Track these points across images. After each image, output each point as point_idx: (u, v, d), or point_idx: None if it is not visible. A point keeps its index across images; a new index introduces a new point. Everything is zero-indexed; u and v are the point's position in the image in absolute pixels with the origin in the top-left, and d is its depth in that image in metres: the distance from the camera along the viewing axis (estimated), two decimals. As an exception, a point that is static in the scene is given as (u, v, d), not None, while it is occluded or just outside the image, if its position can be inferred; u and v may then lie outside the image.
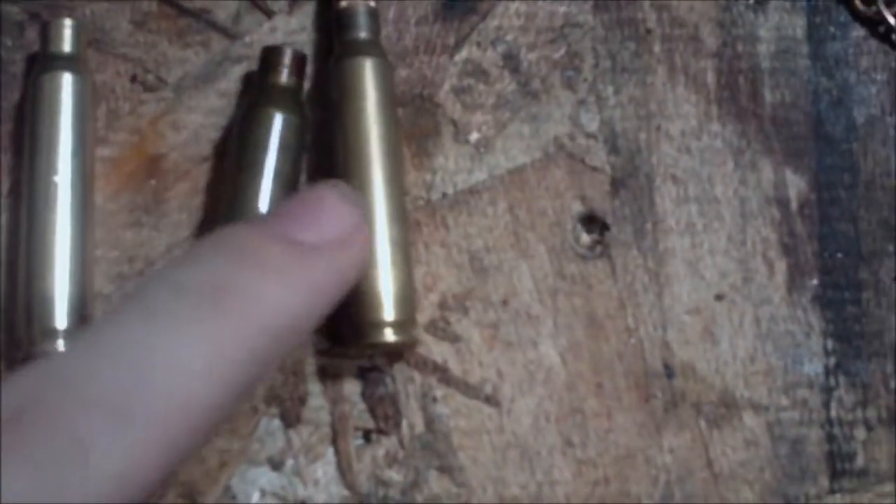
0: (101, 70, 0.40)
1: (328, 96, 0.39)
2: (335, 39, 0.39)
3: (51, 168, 0.37)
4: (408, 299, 0.36)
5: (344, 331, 0.37)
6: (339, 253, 0.27)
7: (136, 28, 0.41)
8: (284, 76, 0.38)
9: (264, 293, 0.24)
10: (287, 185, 0.37)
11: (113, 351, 0.23)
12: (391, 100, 0.38)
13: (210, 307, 0.24)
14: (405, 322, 0.36)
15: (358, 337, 0.36)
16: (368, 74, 0.38)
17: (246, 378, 0.24)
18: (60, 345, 0.35)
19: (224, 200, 0.37)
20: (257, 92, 0.38)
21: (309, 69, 0.40)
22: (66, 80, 0.38)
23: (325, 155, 0.39)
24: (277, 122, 0.37)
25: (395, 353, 0.37)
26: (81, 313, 0.36)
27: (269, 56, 0.38)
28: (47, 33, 0.39)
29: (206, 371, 0.23)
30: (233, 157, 0.37)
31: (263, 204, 0.36)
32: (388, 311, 0.36)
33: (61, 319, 0.36)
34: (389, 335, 0.36)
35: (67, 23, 0.39)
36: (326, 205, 0.28)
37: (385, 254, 0.36)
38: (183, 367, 0.23)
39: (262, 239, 0.26)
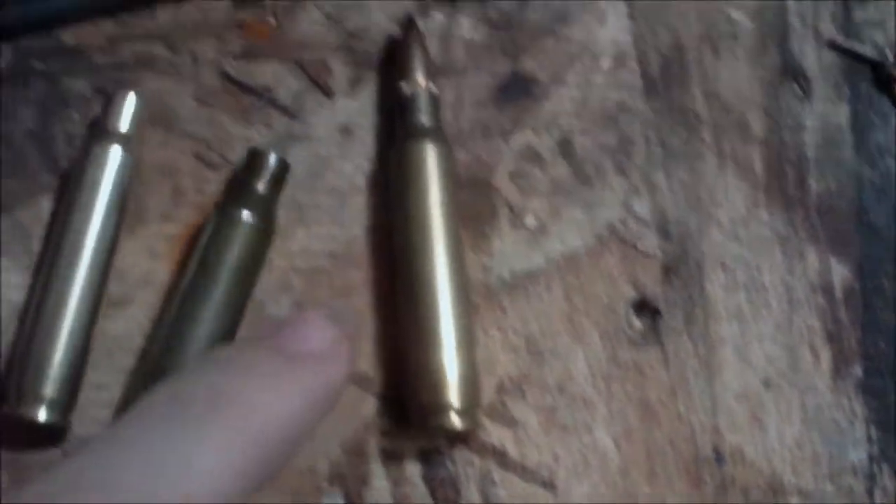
0: (165, 147, 0.41)
1: (389, 178, 0.39)
2: (397, 123, 0.40)
3: (79, 236, 0.38)
4: (472, 384, 0.37)
5: (410, 414, 0.37)
6: (324, 363, 0.29)
7: (200, 105, 0.41)
8: (262, 184, 0.39)
9: (258, 398, 0.27)
10: (242, 287, 0.38)
11: (127, 456, 0.24)
12: (453, 184, 0.39)
13: (211, 412, 0.26)
14: (469, 408, 0.37)
15: (423, 421, 0.37)
16: (431, 160, 0.38)
17: (250, 478, 0.26)
18: (42, 413, 0.36)
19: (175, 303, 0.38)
20: (232, 193, 0.39)
21: (369, 150, 0.40)
22: (115, 153, 0.38)
23: (384, 235, 0.40)
24: (245, 226, 0.38)
25: (459, 436, 0.38)
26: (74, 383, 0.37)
27: (252, 160, 0.39)
28: (107, 104, 0.40)
29: (213, 471, 0.25)
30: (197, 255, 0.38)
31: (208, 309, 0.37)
32: (454, 397, 0.36)
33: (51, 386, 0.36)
34: (455, 421, 0.36)
35: (129, 97, 0.39)
36: (312, 323, 0.30)
37: (450, 338, 0.37)
38: (194, 468, 0.24)
39: (259, 352, 0.29)
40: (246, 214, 0.38)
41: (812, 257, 0.40)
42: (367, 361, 0.39)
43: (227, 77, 0.42)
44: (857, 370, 0.40)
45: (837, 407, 0.39)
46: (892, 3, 0.43)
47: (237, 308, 0.38)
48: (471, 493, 0.38)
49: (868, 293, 0.40)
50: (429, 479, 0.38)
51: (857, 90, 0.42)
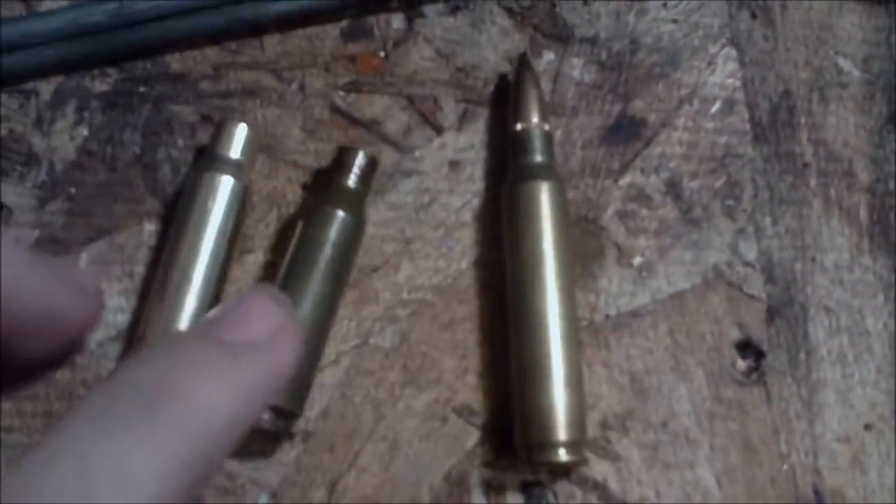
0: (273, 176, 0.42)
1: (503, 215, 0.40)
2: (510, 161, 0.41)
3: (188, 265, 0.38)
4: (580, 419, 0.38)
5: (516, 447, 0.38)
6: (268, 350, 0.28)
7: (308, 136, 0.42)
8: (352, 180, 0.40)
9: (198, 392, 0.26)
10: (335, 282, 0.39)
11: (58, 464, 0.23)
12: (565, 222, 0.40)
13: (146, 409, 0.25)
14: (577, 442, 0.37)
15: (531, 455, 0.38)
16: (544, 198, 0.39)
17: (191, 476, 0.25)
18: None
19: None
20: (322, 190, 0.40)
21: (477, 185, 0.41)
22: (225, 183, 0.39)
23: (490, 270, 0.41)
24: (338, 222, 0.39)
25: (563, 470, 0.39)
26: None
27: (343, 157, 0.40)
28: (219, 132, 0.40)
29: (151, 473, 0.24)
30: (290, 251, 0.39)
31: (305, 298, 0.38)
32: (562, 431, 0.37)
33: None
34: (562, 455, 0.37)
35: (241, 127, 0.40)
36: (254, 306, 0.29)
37: (559, 374, 0.37)
38: (128, 472, 0.24)
39: (194, 342, 0.27)
40: (338, 210, 0.39)
41: (915, 304, 0.41)
42: (471, 394, 0.40)
43: (335, 109, 0.43)
44: (958, 417, 0.40)
45: (938, 453, 0.40)
46: None
47: (330, 304, 0.39)
48: (573, 525, 0.39)
49: (970, 341, 0.41)
50: (531, 511, 0.39)
51: (961, 140, 0.43)
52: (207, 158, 0.40)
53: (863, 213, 0.42)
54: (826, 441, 0.40)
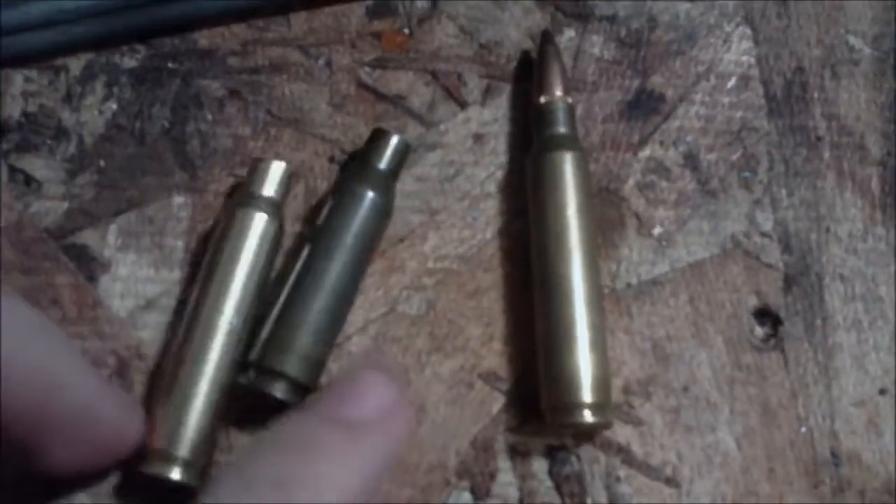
0: (300, 149, 0.43)
1: (528, 185, 0.41)
2: (534, 133, 0.42)
3: (219, 297, 0.38)
4: (605, 382, 0.39)
5: (543, 410, 0.39)
6: (383, 428, 0.30)
7: (335, 110, 0.43)
8: (384, 162, 0.41)
9: (330, 479, 0.28)
10: (357, 263, 0.40)
11: None
12: (589, 191, 0.41)
13: (281, 497, 0.27)
14: (602, 404, 0.38)
15: (557, 417, 0.38)
16: (569, 168, 0.40)
17: None
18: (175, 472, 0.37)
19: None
20: (354, 170, 0.41)
21: (501, 158, 0.42)
22: (260, 221, 0.39)
23: (514, 240, 0.42)
24: (366, 201, 0.40)
25: (587, 434, 0.40)
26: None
27: (376, 138, 0.41)
28: (255, 170, 0.41)
29: None
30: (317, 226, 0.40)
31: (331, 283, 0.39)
32: (587, 393, 0.38)
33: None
34: (588, 416, 0.38)
35: (278, 166, 0.40)
36: (367, 384, 0.31)
37: (584, 338, 0.38)
38: None
39: (316, 425, 0.29)
40: (368, 191, 0.40)
41: (927, 272, 0.42)
42: (497, 360, 0.41)
43: (361, 84, 0.44)
44: (971, 381, 0.41)
45: (951, 416, 0.41)
46: None
47: (350, 284, 0.40)
48: (596, 489, 0.40)
49: (980, 307, 0.42)
50: (555, 475, 0.40)
51: (970, 114, 0.44)
52: (243, 193, 0.40)
53: (875, 184, 0.43)
54: (842, 405, 0.41)
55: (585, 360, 0.38)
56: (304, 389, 0.38)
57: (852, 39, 0.45)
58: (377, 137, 0.41)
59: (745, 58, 0.45)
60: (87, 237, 0.42)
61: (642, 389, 0.41)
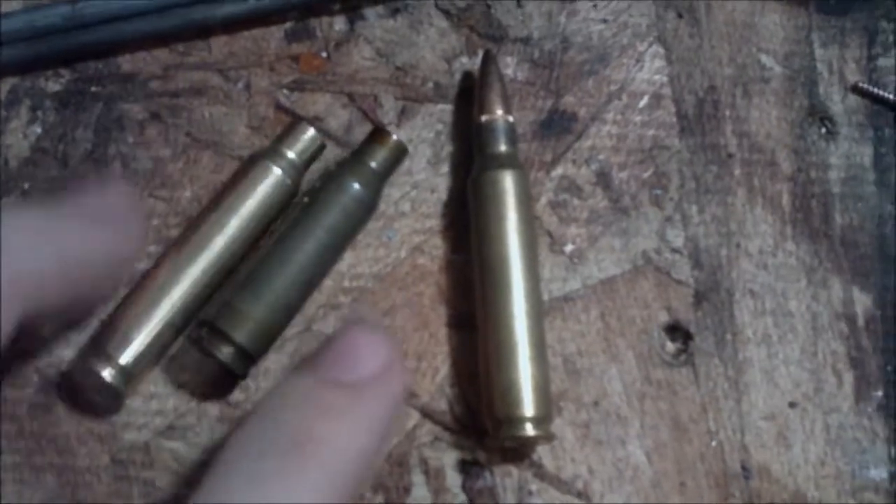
0: (218, 171, 0.43)
1: (470, 203, 0.42)
2: (475, 152, 0.42)
3: (213, 228, 0.41)
4: (545, 395, 0.39)
5: (486, 423, 0.40)
6: (382, 384, 0.31)
7: (253, 132, 0.44)
8: (377, 161, 0.42)
9: (334, 437, 0.29)
10: (332, 249, 0.41)
11: None
12: (530, 207, 0.41)
13: (296, 460, 0.28)
14: (544, 417, 0.39)
15: (499, 430, 0.39)
16: (510, 185, 0.41)
17: None
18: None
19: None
20: (347, 164, 0.42)
21: (416, 178, 0.43)
22: (274, 174, 0.41)
23: (427, 259, 0.43)
24: (353, 195, 0.41)
25: (532, 445, 0.40)
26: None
27: (375, 137, 0.42)
28: (287, 129, 0.43)
29: None
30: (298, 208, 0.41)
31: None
32: (528, 407, 0.39)
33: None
34: (529, 430, 0.38)
35: (308, 133, 0.42)
36: (362, 344, 0.32)
37: (525, 352, 0.39)
38: None
39: (319, 388, 0.30)
40: (354, 182, 0.40)
41: (836, 286, 0.43)
42: (410, 377, 0.41)
43: (279, 106, 0.45)
44: (878, 393, 0.42)
45: (859, 427, 0.41)
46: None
47: (320, 269, 0.41)
48: (508, 502, 0.40)
49: (888, 321, 0.42)
50: (468, 489, 0.40)
51: (880, 132, 0.45)
52: (267, 148, 0.42)
53: (785, 201, 0.44)
54: (752, 419, 0.42)
55: (527, 374, 0.39)
56: (250, 359, 0.39)
57: (764, 58, 0.46)
58: (375, 136, 0.42)
59: (657, 77, 0.45)
60: (8, 259, 0.42)
61: (554, 404, 0.41)
